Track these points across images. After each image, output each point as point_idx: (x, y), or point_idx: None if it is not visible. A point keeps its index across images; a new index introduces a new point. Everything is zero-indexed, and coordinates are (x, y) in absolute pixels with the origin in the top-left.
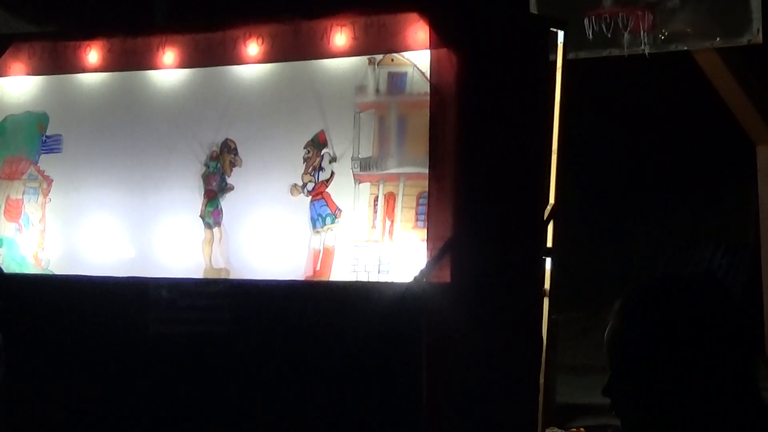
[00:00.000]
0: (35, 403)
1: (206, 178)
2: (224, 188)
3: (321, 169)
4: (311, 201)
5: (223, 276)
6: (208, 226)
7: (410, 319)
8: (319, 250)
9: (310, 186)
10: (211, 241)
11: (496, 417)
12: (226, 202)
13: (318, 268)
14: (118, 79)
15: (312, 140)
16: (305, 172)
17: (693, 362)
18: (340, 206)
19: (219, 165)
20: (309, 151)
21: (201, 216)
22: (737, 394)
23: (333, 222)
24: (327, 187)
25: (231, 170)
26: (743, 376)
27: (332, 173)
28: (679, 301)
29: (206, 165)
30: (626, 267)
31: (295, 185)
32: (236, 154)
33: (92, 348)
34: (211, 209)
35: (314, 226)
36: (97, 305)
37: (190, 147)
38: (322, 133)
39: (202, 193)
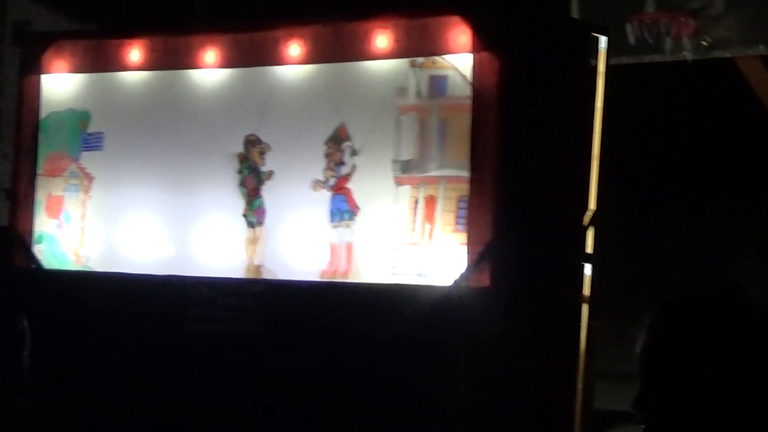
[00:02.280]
0: (72, 398)
1: (244, 182)
2: (263, 179)
3: (342, 163)
4: (332, 194)
5: (262, 274)
6: (251, 225)
7: (449, 322)
8: (338, 246)
9: (332, 181)
10: (254, 240)
11: (534, 422)
12: (269, 201)
13: (342, 265)
14: (159, 77)
15: (332, 136)
16: (327, 168)
17: (723, 376)
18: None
19: (249, 163)
20: (329, 147)
21: (243, 215)
22: None
23: (350, 219)
24: (348, 181)
25: (263, 159)
26: None
27: (354, 167)
28: (708, 315)
29: (239, 171)
30: (665, 273)
31: (318, 181)
32: (260, 142)
33: (129, 345)
34: (254, 208)
35: (332, 219)
36: (135, 303)
37: (230, 145)
38: (341, 127)
39: (245, 193)
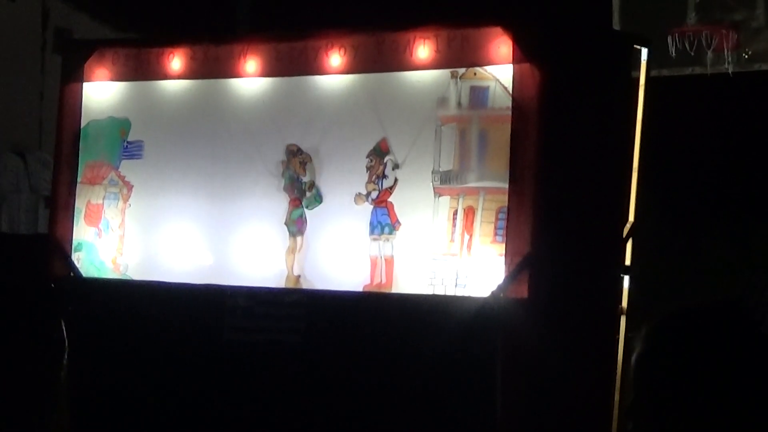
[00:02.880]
0: (109, 406)
1: (287, 190)
2: (305, 189)
3: (384, 176)
4: (374, 207)
5: (301, 285)
6: (292, 234)
7: (486, 334)
8: (378, 259)
9: (374, 194)
10: (294, 249)
11: None
12: (310, 212)
13: (382, 279)
14: (199, 86)
15: (374, 149)
16: (369, 181)
17: (716, 389)
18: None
19: (291, 172)
20: (372, 160)
21: (285, 224)
22: (762, 423)
23: (391, 233)
24: (391, 194)
25: (305, 169)
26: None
27: (396, 180)
28: (703, 328)
29: (282, 178)
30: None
31: (359, 194)
32: (301, 152)
33: (167, 354)
34: (295, 218)
35: (372, 232)
36: (174, 312)
37: (271, 155)
38: (383, 141)
39: (288, 201)
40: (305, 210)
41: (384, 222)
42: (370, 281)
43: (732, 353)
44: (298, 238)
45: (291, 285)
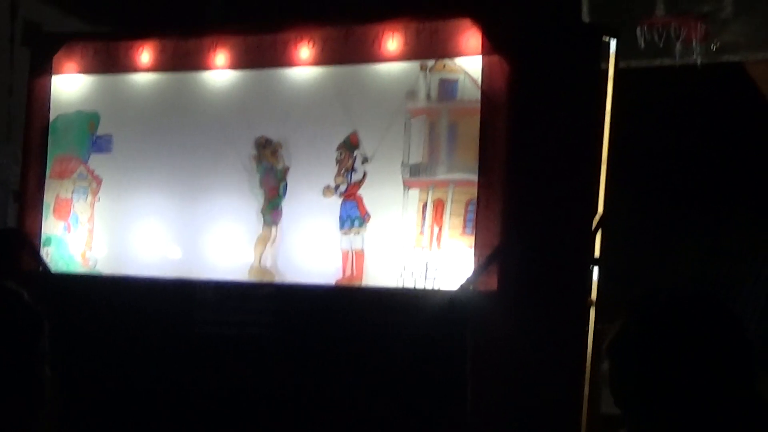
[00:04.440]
0: (81, 401)
1: (262, 182)
2: (280, 178)
3: (353, 170)
4: (342, 201)
5: (268, 278)
6: (267, 223)
7: (456, 326)
8: (348, 252)
9: (342, 187)
10: (267, 239)
11: (540, 426)
12: (285, 203)
13: (353, 272)
14: (169, 79)
15: (344, 142)
16: (338, 174)
17: (696, 382)
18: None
19: (265, 164)
20: (341, 153)
21: (261, 212)
22: (731, 405)
23: (361, 225)
24: (360, 188)
25: (276, 157)
26: (739, 390)
27: (365, 174)
28: (682, 322)
29: (257, 172)
30: (674, 277)
31: (328, 186)
32: (270, 143)
33: (137, 349)
34: (271, 208)
35: (342, 226)
36: (143, 305)
37: (241, 147)
38: (354, 134)
39: (264, 193)
40: (282, 202)
41: (354, 215)
42: (341, 275)
43: (710, 346)
44: (273, 228)
45: (255, 276)
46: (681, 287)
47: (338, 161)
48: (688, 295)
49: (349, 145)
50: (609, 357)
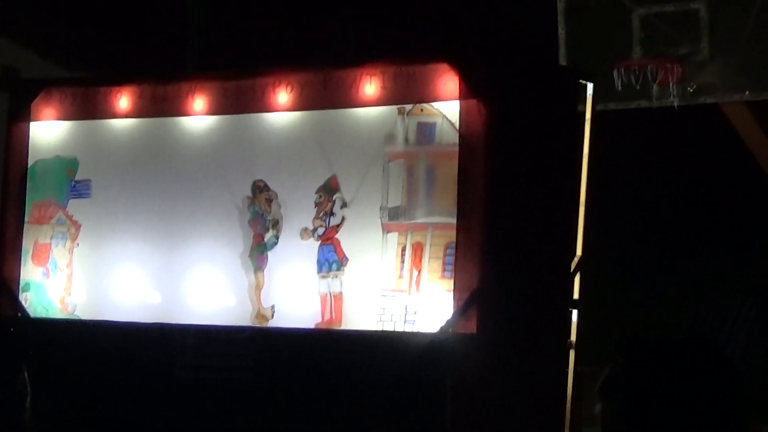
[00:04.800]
0: None
1: (251, 224)
2: (269, 227)
3: (332, 214)
4: (320, 245)
5: (265, 322)
6: (255, 269)
7: (436, 369)
8: (327, 296)
9: (320, 231)
10: (260, 286)
11: None
12: (273, 252)
13: (332, 316)
14: (148, 125)
15: (324, 185)
16: (316, 217)
17: (689, 423)
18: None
19: (257, 208)
20: (321, 196)
21: (249, 257)
22: None
23: (339, 269)
24: (337, 232)
25: (269, 207)
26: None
27: (343, 218)
28: (677, 366)
29: (249, 212)
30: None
31: (306, 229)
32: (268, 189)
33: (117, 392)
34: (257, 254)
35: (320, 269)
36: (122, 350)
37: (219, 193)
38: (333, 177)
39: (251, 236)
40: (267, 249)
41: (331, 259)
42: (320, 318)
43: (704, 390)
44: (259, 275)
45: (259, 321)
46: (666, 330)
47: (317, 204)
48: (681, 339)
49: (329, 189)
50: (602, 399)
